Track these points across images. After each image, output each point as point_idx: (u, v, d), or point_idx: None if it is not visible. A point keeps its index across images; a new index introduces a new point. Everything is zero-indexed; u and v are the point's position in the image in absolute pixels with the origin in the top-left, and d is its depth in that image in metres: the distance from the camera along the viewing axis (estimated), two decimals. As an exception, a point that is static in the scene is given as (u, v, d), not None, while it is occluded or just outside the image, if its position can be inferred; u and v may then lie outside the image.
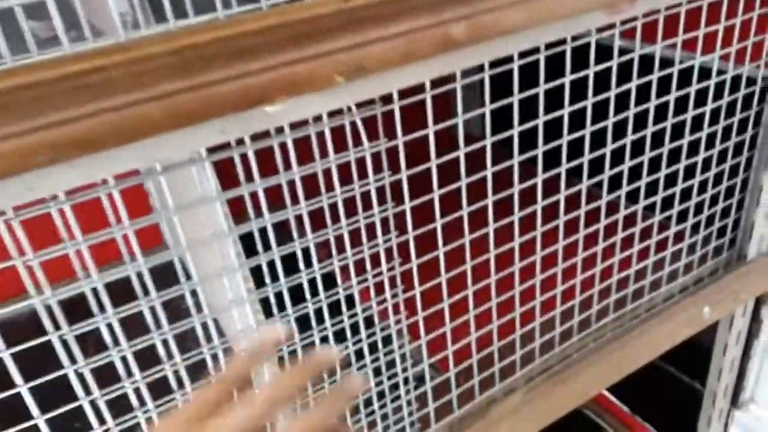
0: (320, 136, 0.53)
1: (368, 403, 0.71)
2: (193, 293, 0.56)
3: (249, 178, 0.53)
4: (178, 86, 0.40)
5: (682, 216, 1.02)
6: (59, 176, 0.39)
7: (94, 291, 0.48)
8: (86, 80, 0.38)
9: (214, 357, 0.58)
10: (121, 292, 0.51)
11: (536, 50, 0.58)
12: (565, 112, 0.65)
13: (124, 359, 0.53)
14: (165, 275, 0.56)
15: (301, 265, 0.59)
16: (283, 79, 0.43)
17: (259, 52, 0.42)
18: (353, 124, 0.54)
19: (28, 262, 0.44)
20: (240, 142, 0.49)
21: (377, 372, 0.71)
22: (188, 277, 0.54)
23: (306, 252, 0.59)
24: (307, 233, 0.58)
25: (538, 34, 0.54)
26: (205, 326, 0.57)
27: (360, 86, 0.48)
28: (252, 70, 0.42)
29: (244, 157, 0.51)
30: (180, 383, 0.57)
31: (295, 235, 0.58)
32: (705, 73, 0.87)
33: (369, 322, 0.67)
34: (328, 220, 0.58)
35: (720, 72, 0.80)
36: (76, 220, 0.46)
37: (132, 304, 0.52)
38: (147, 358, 0.55)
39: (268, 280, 0.58)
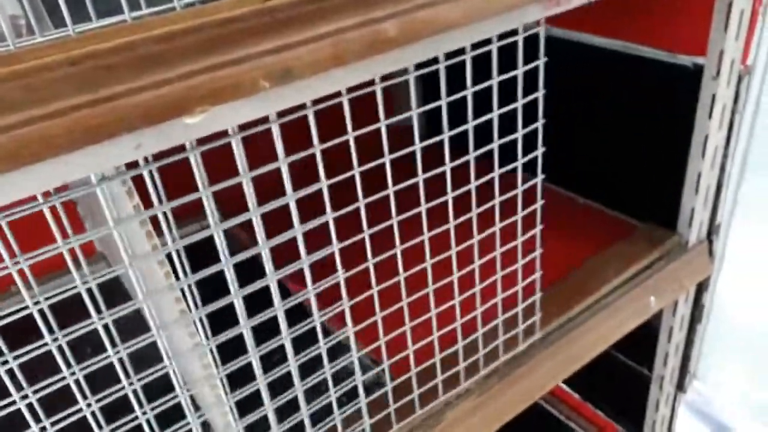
0: (247, 141, 0.50)
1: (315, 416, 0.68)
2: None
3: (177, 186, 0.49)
4: (81, 100, 0.36)
5: (630, 207, 1.02)
6: (-56, 207, 0.35)
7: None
8: (-30, 97, 0.34)
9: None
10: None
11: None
12: (496, 112, 0.63)
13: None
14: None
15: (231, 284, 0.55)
16: (202, 87, 0.39)
17: (173, 59, 0.38)
18: (283, 127, 0.51)
19: None
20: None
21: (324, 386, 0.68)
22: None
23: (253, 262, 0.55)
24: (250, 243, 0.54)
25: (472, 31, 0.52)
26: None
27: (289, 91, 0.44)
28: (165, 79, 0.38)
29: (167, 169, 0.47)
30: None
31: (221, 249, 0.54)
32: (643, 62, 0.88)
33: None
34: (257, 231, 0.55)
35: (658, 62, 0.80)
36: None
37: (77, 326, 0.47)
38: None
39: (194, 300, 0.54)
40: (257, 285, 0.56)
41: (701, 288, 1.03)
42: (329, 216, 0.57)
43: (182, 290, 0.53)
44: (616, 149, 1.02)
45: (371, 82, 0.50)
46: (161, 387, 0.55)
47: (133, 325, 0.57)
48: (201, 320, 0.54)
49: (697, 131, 0.88)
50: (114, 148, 0.39)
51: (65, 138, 0.36)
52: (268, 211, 0.53)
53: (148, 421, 0.54)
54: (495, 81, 0.60)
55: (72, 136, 0.36)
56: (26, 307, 0.45)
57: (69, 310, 0.48)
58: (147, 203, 0.48)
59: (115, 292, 0.49)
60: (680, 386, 1.18)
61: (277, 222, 0.56)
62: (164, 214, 0.47)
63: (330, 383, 0.67)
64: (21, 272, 0.42)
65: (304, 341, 0.63)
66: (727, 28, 0.78)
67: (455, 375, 0.77)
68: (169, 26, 0.38)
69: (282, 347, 0.61)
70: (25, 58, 0.35)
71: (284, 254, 0.58)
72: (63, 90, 0.36)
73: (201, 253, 0.55)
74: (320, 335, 0.62)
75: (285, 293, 0.59)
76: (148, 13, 0.40)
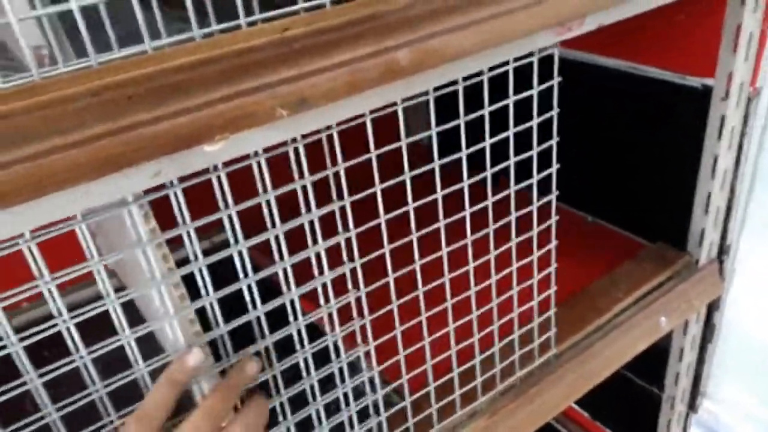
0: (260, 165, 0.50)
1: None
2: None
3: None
4: (102, 130, 0.37)
5: (639, 227, 1.02)
6: (-32, 235, 0.35)
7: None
8: (-5, 127, 0.34)
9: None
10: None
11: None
12: (511, 131, 0.64)
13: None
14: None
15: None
16: (221, 116, 0.40)
17: (193, 88, 0.39)
18: (296, 152, 0.51)
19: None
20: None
21: (334, 406, 0.68)
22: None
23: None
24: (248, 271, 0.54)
25: (486, 58, 0.53)
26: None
27: (304, 118, 0.45)
28: (185, 108, 0.39)
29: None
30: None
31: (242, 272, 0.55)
32: (652, 84, 0.88)
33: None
34: (277, 250, 0.55)
35: (667, 83, 0.81)
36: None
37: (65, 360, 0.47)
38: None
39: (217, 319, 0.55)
40: (276, 302, 0.57)
41: (712, 308, 1.03)
42: (344, 236, 0.57)
43: (198, 310, 0.54)
44: (625, 169, 1.02)
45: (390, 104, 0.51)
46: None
47: (145, 344, 0.57)
48: (222, 339, 0.54)
49: (707, 152, 0.88)
50: (134, 176, 0.39)
51: (86, 167, 0.37)
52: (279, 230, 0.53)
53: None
54: (511, 100, 0.61)
55: (93, 165, 0.37)
56: (53, 324, 0.45)
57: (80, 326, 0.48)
58: (163, 222, 0.49)
59: (125, 308, 0.49)
60: (692, 406, 1.17)
61: (288, 240, 0.56)
62: (187, 234, 0.48)
63: (342, 402, 0.67)
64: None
65: (316, 360, 0.64)
66: (736, 50, 0.79)
67: (470, 392, 0.77)
68: (188, 56, 0.38)
69: (292, 368, 0.62)
70: (48, 89, 0.36)
71: (296, 273, 0.58)
72: (84, 120, 0.36)
73: (212, 271, 0.55)
74: (332, 354, 0.63)
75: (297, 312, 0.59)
76: (167, 43, 0.41)
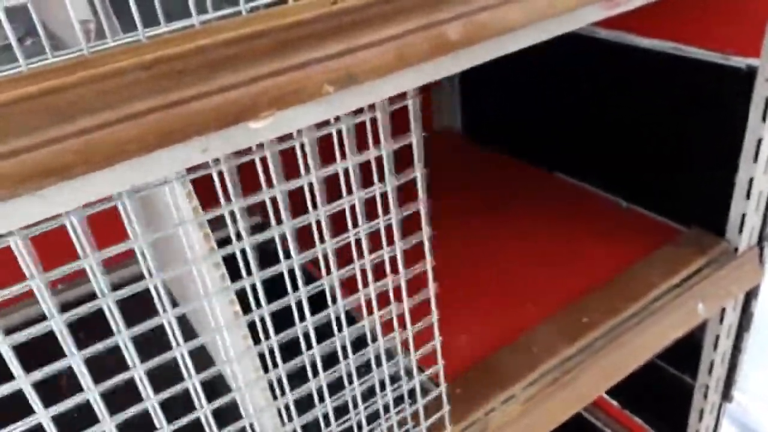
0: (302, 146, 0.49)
1: (361, 425, 0.68)
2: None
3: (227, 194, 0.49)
4: (152, 104, 0.36)
5: (675, 212, 1.00)
6: (20, 210, 0.35)
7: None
8: (47, 101, 0.34)
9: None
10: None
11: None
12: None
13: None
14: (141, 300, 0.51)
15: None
16: (269, 92, 0.39)
17: (242, 63, 0.38)
18: (338, 133, 0.50)
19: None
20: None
21: (371, 391, 0.67)
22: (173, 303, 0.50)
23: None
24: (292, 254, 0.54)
25: (535, 32, 0.51)
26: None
27: (350, 95, 0.44)
28: (234, 83, 0.38)
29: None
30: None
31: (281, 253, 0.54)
32: (696, 65, 0.86)
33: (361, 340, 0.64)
34: (319, 235, 0.54)
35: (710, 64, 0.78)
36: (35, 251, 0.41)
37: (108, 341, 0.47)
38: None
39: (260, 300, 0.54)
40: (313, 287, 0.56)
41: (750, 295, 1.00)
42: (385, 219, 0.56)
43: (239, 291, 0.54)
44: (662, 153, 0.99)
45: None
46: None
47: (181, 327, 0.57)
48: (262, 320, 0.54)
49: (750, 135, 0.86)
50: (182, 152, 0.39)
51: (138, 142, 0.36)
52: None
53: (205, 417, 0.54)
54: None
55: (144, 140, 0.36)
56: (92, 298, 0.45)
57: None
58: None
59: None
60: (725, 396, 1.15)
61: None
62: (231, 213, 0.47)
63: (377, 388, 0.66)
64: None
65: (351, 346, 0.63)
66: (784, 29, 0.76)
67: (504, 379, 0.77)
68: (238, 30, 0.38)
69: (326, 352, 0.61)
70: (99, 62, 0.35)
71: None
72: (135, 94, 0.36)
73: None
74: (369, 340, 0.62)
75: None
76: (215, 17, 0.40)
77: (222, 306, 0.53)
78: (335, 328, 0.60)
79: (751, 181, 0.88)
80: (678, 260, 0.95)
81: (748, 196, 0.89)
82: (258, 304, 0.55)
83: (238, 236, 0.50)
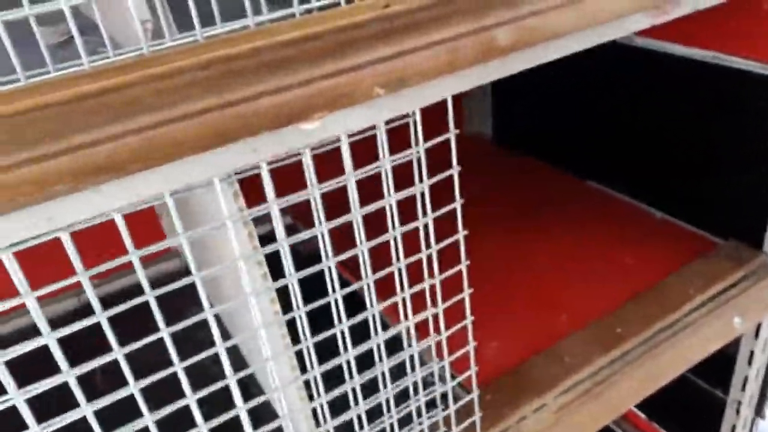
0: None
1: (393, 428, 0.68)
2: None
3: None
4: (208, 104, 0.37)
5: (711, 223, 0.99)
6: (81, 204, 0.36)
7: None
8: (107, 99, 0.34)
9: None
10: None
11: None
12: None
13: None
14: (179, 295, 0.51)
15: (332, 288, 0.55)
16: (322, 94, 0.40)
17: (296, 65, 0.38)
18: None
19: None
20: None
21: (404, 394, 0.67)
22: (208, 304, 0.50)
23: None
24: (328, 254, 0.54)
25: (581, 38, 0.51)
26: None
27: (400, 98, 0.44)
28: (288, 85, 0.38)
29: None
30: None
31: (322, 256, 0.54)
32: (735, 74, 0.84)
33: (394, 342, 0.64)
34: (359, 237, 0.55)
35: (745, 72, 0.77)
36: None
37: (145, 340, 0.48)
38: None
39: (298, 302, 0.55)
40: (348, 290, 0.56)
41: (787, 310, 0.98)
42: (422, 221, 0.56)
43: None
44: (698, 163, 0.98)
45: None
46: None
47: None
48: (301, 319, 0.54)
49: (791, 146, 0.84)
50: (234, 151, 0.39)
51: (193, 141, 0.37)
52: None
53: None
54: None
55: (199, 139, 0.37)
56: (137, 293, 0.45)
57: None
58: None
59: (185, 290, 0.49)
60: (758, 411, 1.12)
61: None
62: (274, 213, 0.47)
63: (411, 391, 0.66)
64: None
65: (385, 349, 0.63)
66: (832, 39, 0.75)
67: (537, 387, 0.76)
68: (294, 32, 0.38)
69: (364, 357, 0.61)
70: (158, 62, 0.36)
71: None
72: (192, 93, 0.36)
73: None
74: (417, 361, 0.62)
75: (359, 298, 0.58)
76: (269, 18, 0.40)
77: (263, 305, 0.54)
78: (372, 331, 0.60)
79: (791, 193, 0.86)
80: (714, 273, 0.93)
81: (788, 208, 0.87)
82: (296, 305, 0.55)
83: (271, 237, 0.51)
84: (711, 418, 1.20)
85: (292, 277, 0.53)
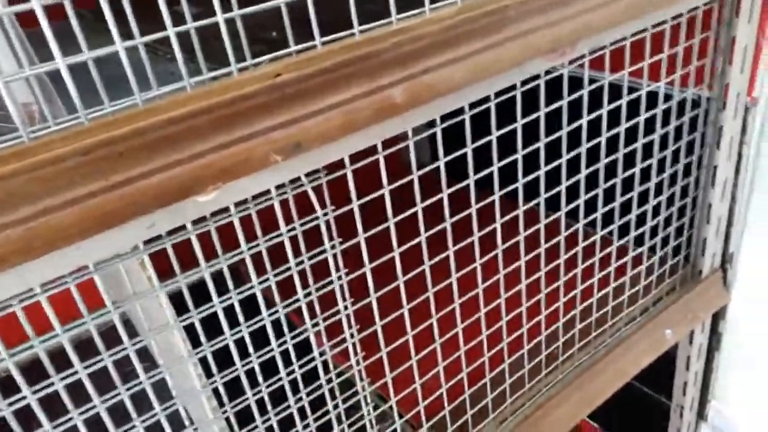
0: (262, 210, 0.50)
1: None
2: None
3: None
4: (94, 188, 0.36)
5: (639, 239, 1.01)
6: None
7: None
8: (-16, 192, 0.34)
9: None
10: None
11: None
12: (519, 152, 0.63)
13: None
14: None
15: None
16: (213, 166, 0.40)
17: (183, 141, 0.38)
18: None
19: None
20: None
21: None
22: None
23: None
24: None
25: (483, 88, 0.52)
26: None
27: (299, 162, 0.44)
28: (177, 161, 0.38)
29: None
30: None
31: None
32: (653, 99, 0.87)
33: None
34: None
35: (667, 97, 0.80)
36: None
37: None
38: None
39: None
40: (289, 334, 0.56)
41: (717, 317, 1.02)
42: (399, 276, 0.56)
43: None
44: (631, 184, 1.01)
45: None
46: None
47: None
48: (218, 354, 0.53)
49: (707, 162, 0.87)
50: (128, 231, 0.39)
51: (78, 227, 0.36)
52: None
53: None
54: (519, 124, 0.60)
55: (85, 224, 0.36)
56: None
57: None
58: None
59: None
60: (701, 414, 1.16)
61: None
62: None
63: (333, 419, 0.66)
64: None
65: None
66: (732, 62, 0.78)
67: (479, 414, 0.77)
68: (179, 109, 0.38)
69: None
70: (38, 150, 0.35)
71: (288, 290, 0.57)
72: (76, 179, 0.36)
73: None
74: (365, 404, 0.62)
75: (291, 327, 0.58)
76: (160, 94, 0.40)
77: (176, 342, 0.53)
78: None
79: (710, 206, 0.89)
80: (645, 286, 0.96)
81: (708, 220, 0.91)
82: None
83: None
84: (659, 424, 1.23)
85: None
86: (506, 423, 0.81)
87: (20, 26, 0.42)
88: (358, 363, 0.63)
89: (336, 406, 0.64)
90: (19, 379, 0.40)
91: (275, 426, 0.60)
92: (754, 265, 1.02)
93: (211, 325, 0.53)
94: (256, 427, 0.59)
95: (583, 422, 1.42)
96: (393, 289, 0.60)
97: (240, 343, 0.55)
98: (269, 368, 0.58)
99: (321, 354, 0.60)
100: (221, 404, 0.57)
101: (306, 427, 0.63)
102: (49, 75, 0.43)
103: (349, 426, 0.66)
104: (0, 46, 0.41)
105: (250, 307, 0.54)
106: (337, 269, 0.55)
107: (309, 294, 0.54)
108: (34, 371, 0.45)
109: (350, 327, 0.60)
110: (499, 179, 0.63)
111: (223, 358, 0.55)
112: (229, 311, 0.53)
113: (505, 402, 0.81)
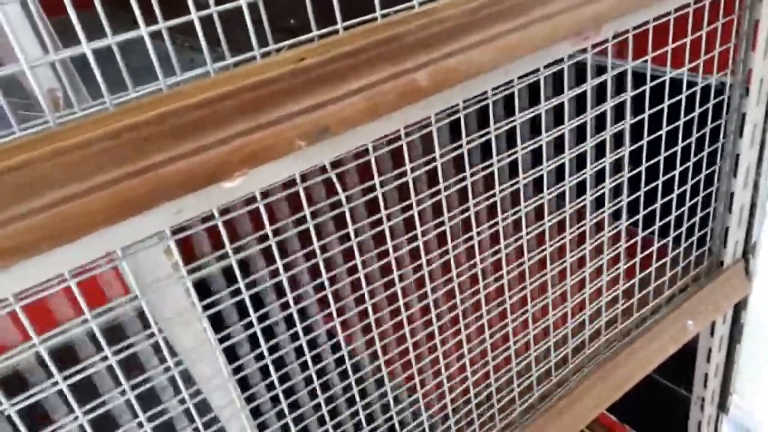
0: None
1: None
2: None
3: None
4: (120, 173, 0.36)
5: (663, 230, 1.00)
6: (-10, 289, 0.34)
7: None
8: (11, 178, 0.33)
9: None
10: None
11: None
12: (544, 137, 0.62)
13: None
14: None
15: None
16: (239, 152, 0.39)
17: (209, 126, 0.38)
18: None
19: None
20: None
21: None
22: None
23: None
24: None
25: (508, 71, 0.51)
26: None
27: (324, 147, 0.44)
28: (203, 146, 0.38)
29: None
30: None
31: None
32: (675, 86, 0.86)
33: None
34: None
35: (690, 84, 0.79)
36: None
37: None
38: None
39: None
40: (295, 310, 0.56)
41: (739, 307, 1.00)
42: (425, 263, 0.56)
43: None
44: (654, 174, 1.00)
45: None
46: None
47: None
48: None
49: (730, 151, 0.86)
50: (156, 216, 0.39)
51: (104, 213, 0.36)
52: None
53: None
54: (543, 107, 0.59)
55: (111, 210, 0.36)
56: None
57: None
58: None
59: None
60: (722, 407, 1.14)
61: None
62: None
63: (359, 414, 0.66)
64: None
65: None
66: (755, 47, 0.77)
67: (502, 404, 0.76)
68: (204, 93, 0.38)
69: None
70: (64, 136, 0.35)
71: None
72: (102, 164, 0.35)
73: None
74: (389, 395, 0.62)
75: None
76: (184, 78, 0.40)
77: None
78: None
79: (732, 195, 0.88)
80: (665, 278, 0.94)
81: (729, 210, 0.89)
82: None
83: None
84: (679, 416, 1.21)
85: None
86: (533, 413, 0.80)
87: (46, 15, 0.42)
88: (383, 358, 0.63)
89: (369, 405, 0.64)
90: (51, 366, 0.40)
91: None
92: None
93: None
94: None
95: (601, 415, 1.41)
96: (418, 279, 0.60)
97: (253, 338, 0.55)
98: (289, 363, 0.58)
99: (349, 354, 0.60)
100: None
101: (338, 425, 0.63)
102: (74, 64, 0.43)
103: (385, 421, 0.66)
104: (26, 32, 0.40)
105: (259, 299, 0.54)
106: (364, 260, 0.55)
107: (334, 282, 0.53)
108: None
109: (378, 326, 0.59)
110: (522, 168, 0.62)
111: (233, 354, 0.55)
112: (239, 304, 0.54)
113: (533, 391, 0.80)
